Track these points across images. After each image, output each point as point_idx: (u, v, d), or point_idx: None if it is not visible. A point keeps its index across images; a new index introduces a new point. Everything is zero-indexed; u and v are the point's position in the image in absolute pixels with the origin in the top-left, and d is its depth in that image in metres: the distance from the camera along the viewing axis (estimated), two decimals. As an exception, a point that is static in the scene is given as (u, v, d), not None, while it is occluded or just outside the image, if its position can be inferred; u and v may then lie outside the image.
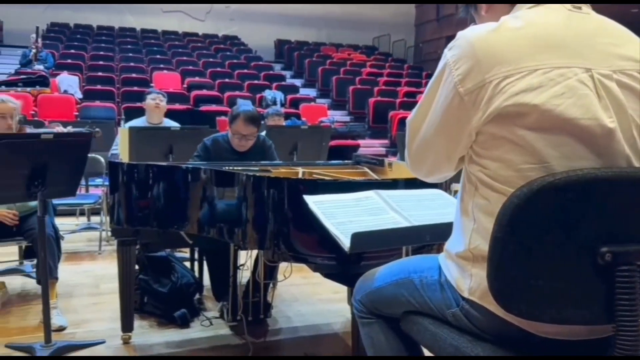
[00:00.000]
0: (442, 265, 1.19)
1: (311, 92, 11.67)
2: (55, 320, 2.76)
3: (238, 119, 2.89)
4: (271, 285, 3.02)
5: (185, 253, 3.77)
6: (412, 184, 2.00)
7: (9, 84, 8.13)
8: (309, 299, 3.34)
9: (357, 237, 1.48)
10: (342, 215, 1.71)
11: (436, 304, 1.20)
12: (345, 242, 1.50)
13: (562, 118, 0.96)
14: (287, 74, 12.82)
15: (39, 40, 9.56)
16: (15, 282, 3.42)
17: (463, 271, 1.11)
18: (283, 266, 2.77)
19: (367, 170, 2.72)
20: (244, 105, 3.08)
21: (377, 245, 1.69)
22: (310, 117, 9.09)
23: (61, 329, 2.76)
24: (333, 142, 6.35)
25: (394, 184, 2.08)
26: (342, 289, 2.94)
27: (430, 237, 1.68)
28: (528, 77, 0.97)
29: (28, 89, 7.96)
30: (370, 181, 2.34)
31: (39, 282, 2.84)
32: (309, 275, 3.47)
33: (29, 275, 3.51)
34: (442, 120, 1.07)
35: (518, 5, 1.10)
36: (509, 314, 0.99)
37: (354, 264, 1.84)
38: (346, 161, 2.96)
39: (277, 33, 14.65)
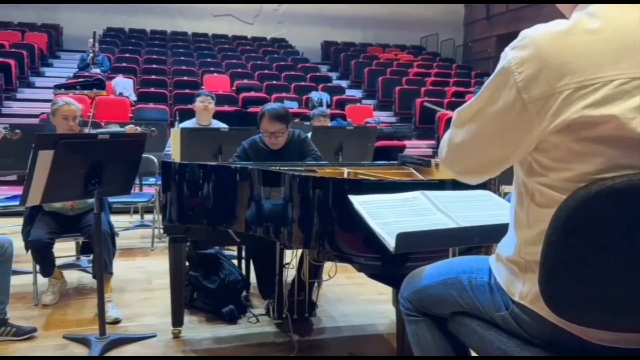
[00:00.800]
0: (493, 268, 1.17)
1: (357, 93, 11.66)
2: (111, 313, 2.88)
3: (264, 118, 2.94)
4: (316, 284, 3.04)
5: (233, 251, 3.85)
6: (460, 185, 1.96)
7: (68, 86, 8.53)
8: (353, 299, 3.34)
9: (402, 237, 1.47)
10: (388, 215, 1.70)
11: (485, 306, 1.18)
12: (391, 242, 1.50)
13: (634, 132, 0.90)
14: (333, 75, 12.86)
15: (96, 44, 9.97)
16: (72, 277, 3.59)
17: (514, 275, 1.09)
18: (328, 266, 2.79)
19: (413, 170, 2.70)
20: (271, 104, 3.13)
21: (423, 246, 1.68)
22: (356, 118, 9.08)
23: (116, 321, 2.87)
24: (379, 143, 6.31)
25: (440, 185, 2.05)
26: (387, 290, 2.93)
27: (479, 239, 1.65)
28: (603, 89, 0.90)
29: (86, 91, 8.33)
30: (416, 182, 2.33)
31: (94, 277, 2.97)
32: (353, 276, 3.48)
33: (85, 270, 3.68)
34: (498, 125, 1.01)
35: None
36: (560, 319, 0.97)
37: (399, 265, 1.83)
38: (392, 162, 2.95)
39: (323, 35, 14.71)
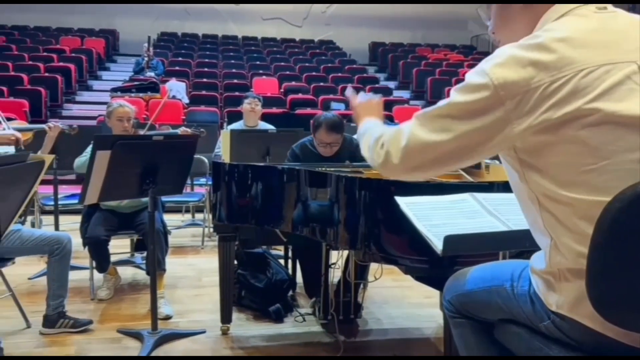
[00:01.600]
0: (532, 279, 1.16)
1: (405, 94, 11.55)
2: (163, 310, 2.97)
3: (320, 128, 2.88)
4: (362, 285, 3.04)
5: (280, 251, 3.89)
6: (510, 187, 1.93)
7: (123, 89, 8.88)
8: (399, 302, 3.31)
9: (450, 240, 1.45)
10: (435, 217, 1.68)
11: (529, 314, 1.16)
12: (438, 245, 1.48)
13: (615, 114, 0.93)
14: (381, 76, 12.79)
15: (151, 49, 10.33)
16: (127, 273, 3.73)
17: (549, 286, 1.08)
18: (374, 267, 2.78)
19: (461, 172, 2.65)
20: (326, 113, 3.09)
21: (472, 249, 1.65)
22: (404, 119, 8.85)
23: (167, 317, 2.96)
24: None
25: (490, 187, 2.01)
26: (434, 294, 2.88)
27: (530, 244, 1.60)
28: (575, 79, 0.94)
29: (140, 94, 8.65)
30: (465, 183, 2.28)
31: (148, 273, 3.07)
32: (400, 278, 3.45)
33: (139, 267, 3.82)
34: (477, 121, 1.01)
35: (547, 17, 1.06)
36: (603, 325, 0.94)
37: (446, 268, 1.80)
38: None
39: (371, 36, 14.66)
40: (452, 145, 1.04)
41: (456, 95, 1.04)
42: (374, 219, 2.03)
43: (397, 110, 9.48)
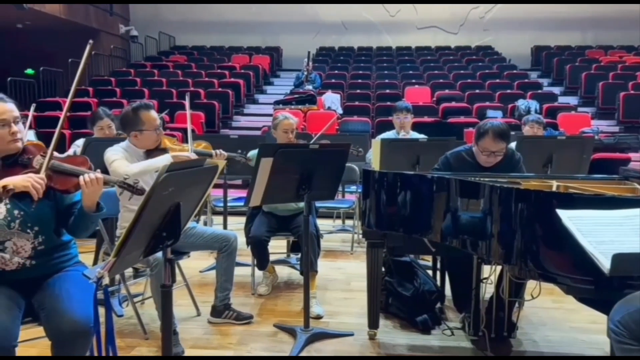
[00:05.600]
0: None
1: (571, 100, 10.61)
2: (314, 309, 3.13)
3: (486, 136, 2.71)
4: (517, 304, 2.87)
5: (427, 261, 3.84)
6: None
7: (285, 102, 9.52)
8: (559, 324, 3.05)
9: (619, 259, 1.33)
10: (603, 233, 1.55)
11: None
12: (605, 264, 1.36)
13: None
14: (545, 81, 11.92)
15: (310, 63, 10.91)
16: (283, 272, 3.98)
17: None
18: (530, 285, 2.61)
19: (637, 186, 2.37)
20: (492, 120, 2.95)
21: (646, 271, 1.47)
22: (570, 127, 8.27)
23: (318, 317, 3.11)
24: (596, 155, 5.69)
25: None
26: (602, 319, 2.59)
27: None
28: None
29: (300, 106, 9.20)
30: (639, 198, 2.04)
31: (302, 273, 3.25)
32: (561, 299, 3.20)
33: (293, 267, 4.05)
34: None
35: None
36: None
37: (615, 290, 1.64)
38: (612, 176, 2.63)
39: (534, 39, 13.75)
40: None
41: None
42: (532, 233, 1.92)
43: (562, 117, 8.77)
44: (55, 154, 1.99)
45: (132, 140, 2.77)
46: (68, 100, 2.02)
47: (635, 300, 1.25)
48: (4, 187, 1.69)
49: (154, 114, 2.75)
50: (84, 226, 2.03)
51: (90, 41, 1.98)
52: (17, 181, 1.77)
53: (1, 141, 1.89)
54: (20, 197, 1.82)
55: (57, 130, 1.95)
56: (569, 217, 1.63)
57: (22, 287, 1.94)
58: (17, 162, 1.93)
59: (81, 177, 1.91)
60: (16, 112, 1.92)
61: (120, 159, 2.68)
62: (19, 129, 1.92)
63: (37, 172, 1.86)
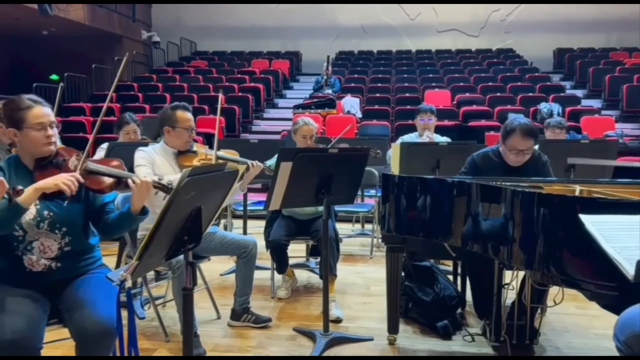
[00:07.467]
0: None
1: (595, 104, 10.43)
2: (334, 311, 3.13)
3: (514, 134, 2.69)
4: (539, 310, 2.82)
5: (448, 266, 3.81)
6: None
7: (304, 106, 9.56)
8: (583, 331, 3.00)
9: (644, 265, 1.30)
10: (627, 239, 1.52)
11: None
12: (629, 270, 1.34)
13: None
14: (567, 84, 11.74)
15: (329, 67, 10.93)
16: (302, 276, 3.99)
17: None
18: (553, 291, 2.57)
19: (664, 191, 2.32)
20: (519, 118, 2.92)
21: (673, 278, 1.44)
22: (593, 131, 8.14)
23: (338, 320, 3.11)
24: (621, 159, 5.58)
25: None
26: (627, 327, 2.56)
27: None
28: None
29: (319, 110, 9.23)
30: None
31: (321, 277, 3.26)
32: (585, 306, 3.14)
33: (312, 271, 4.06)
34: None
35: None
36: None
37: (639, 296, 1.61)
38: (637, 180, 2.58)
39: (556, 42, 13.56)
40: None
41: None
42: (554, 238, 1.90)
43: (585, 120, 8.63)
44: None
45: (165, 137, 2.89)
46: (105, 105, 2.15)
47: (637, 317, 1.21)
48: (14, 188, 1.71)
49: (189, 115, 2.87)
50: (122, 226, 2.10)
51: (127, 53, 2.07)
52: (48, 182, 1.82)
53: (37, 144, 1.94)
54: (50, 198, 1.87)
55: (92, 133, 2.10)
56: (592, 222, 1.61)
57: (47, 289, 1.98)
58: (51, 163, 1.98)
59: (129, 180, 1.98)
60: (52, 117, 1.99)
61: (144, 166, 2.76)
62: (53, 132, 1.97)
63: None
